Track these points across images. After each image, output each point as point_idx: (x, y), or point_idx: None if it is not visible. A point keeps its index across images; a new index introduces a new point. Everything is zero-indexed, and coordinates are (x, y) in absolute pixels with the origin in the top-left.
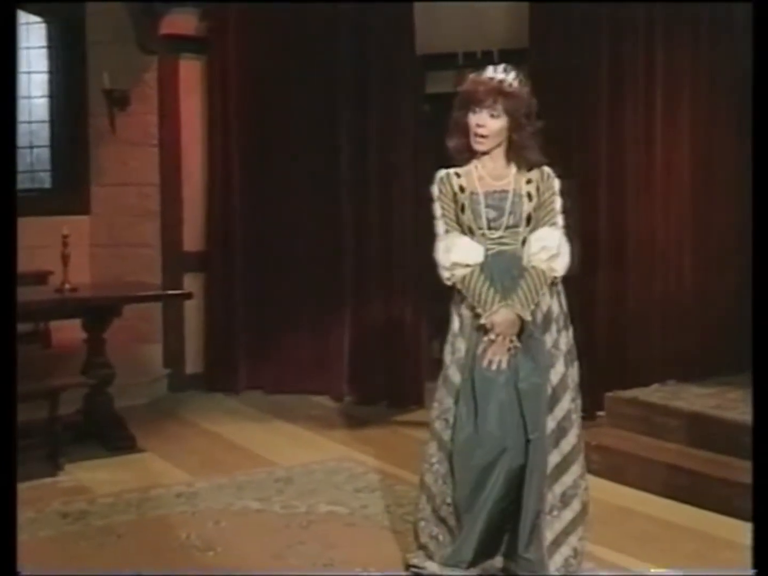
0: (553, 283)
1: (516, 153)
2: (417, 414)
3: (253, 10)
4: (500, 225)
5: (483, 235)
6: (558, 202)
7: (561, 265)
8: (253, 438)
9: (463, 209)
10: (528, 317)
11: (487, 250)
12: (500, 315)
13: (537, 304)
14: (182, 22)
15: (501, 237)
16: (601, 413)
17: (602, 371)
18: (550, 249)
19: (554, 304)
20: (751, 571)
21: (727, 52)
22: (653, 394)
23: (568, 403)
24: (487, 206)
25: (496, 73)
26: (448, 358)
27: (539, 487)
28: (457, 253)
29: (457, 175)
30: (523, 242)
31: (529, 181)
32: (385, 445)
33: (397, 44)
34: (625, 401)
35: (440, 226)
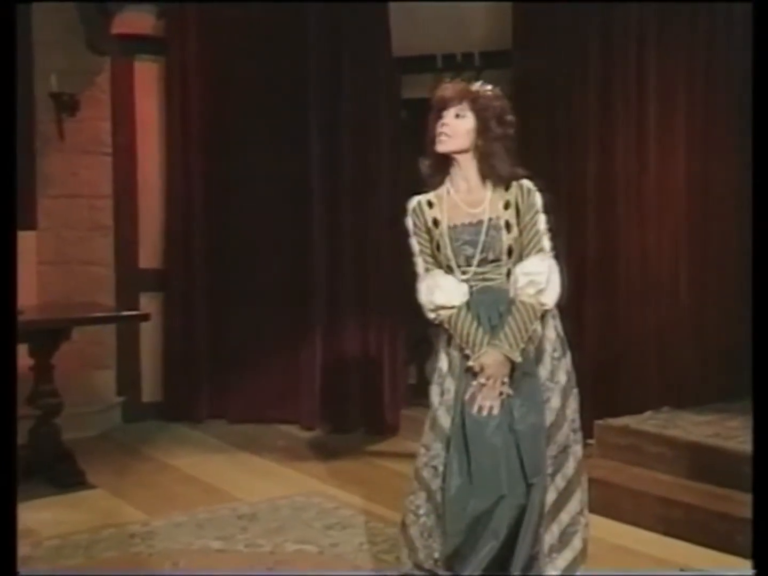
0: (543, 316)
1: (483, 162)
2: (394, 443)
3: (215, 8)
4: (479, 261)
5: (464, 272)
6: (542, 222)
7: (551, 297)
8: (215, 471)
9: (438, 247)
10: (518, 358)
11: (471, 286)
12: (489, 357)
13: (527, 341)
14: (137, 20)
15: (483, 272)
16: (590, 442)
17: (591, 397)
18: (537, 283)
19: (549, 330)
20: (751, 571)
21: (726, 53)
22: (646, 422)
23: (564, 438)
24: (464, 243)
25: (464, 80)
26: (436, 399)
27: (534, 529)
28: (440, 294)
29: (429, 204)
30: (509, 273)
31: (507, 206)
32: (359, 477)
33: (372, 46)
34: (616, 430)
35: (420, 265)
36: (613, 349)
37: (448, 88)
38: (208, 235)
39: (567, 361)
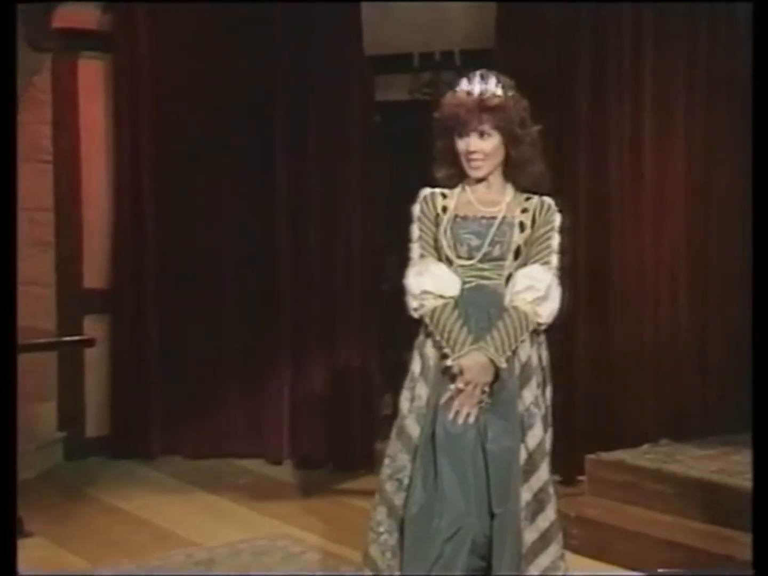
0: (535, 331)
1: (516, 167)
2: (366, 481)
3: (169, 2)
4: (482, 255)
5: (462, 265)
6: (555, 240)
7: (547, 310)
8: (169, 514)
9: (444, 233)
10: (503, 364)
11: (464, 282)
12: (471, 358)
13: (515, 351)
14: (81, 13)
15: (482, 269)
16: (581, 478)
17: (582, 429)
18: (537, 290)
19: (534, 355)
20: (751, 571)
21: (729, 50)
22: (643, 456)
23: (547, 472)
24: (470, 232)
25: (472, 84)
26: (405, 406)
27: (510, 573)
28: (430, 280)
29: (443, 195)
30: (509, 279)
31: (524, 210)
32: (329, 518)
33: (342, 43)
34: (610, 465)
35: (415, 250)
36: (606, 374)
37: (462, 105)
38: (161, 252)
39: (548, 395)
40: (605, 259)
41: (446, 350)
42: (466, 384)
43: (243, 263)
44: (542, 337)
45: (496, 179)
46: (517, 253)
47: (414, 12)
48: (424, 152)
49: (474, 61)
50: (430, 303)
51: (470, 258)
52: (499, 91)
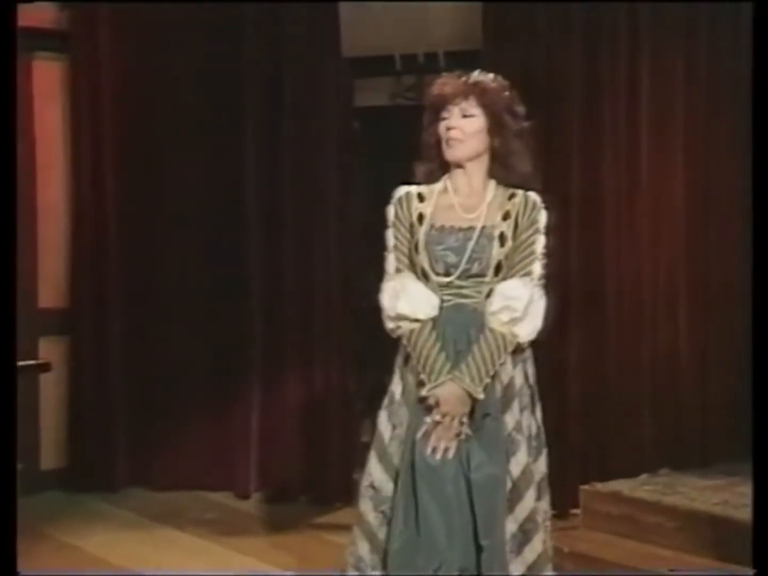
0: (518, 349)
1: (501, 163)
2: (344, 514)
3: (132, 1)
4: (461, 272)
5: (440, 283)
6: (539, 244)
7: (526, 330)
8: (131, 551)
9: (418, 246)
10: (480, 395)
11: (443, 301)
12: (446, 389)
13: (494, 377)
14: (36, 11)
15: (461, 287)
16: (575, 511)
17: (576, 457)
18: (513, 309)
19: (518, 374)
20: (751, 571)
21: (730, 49)
22: (641, 487)
23: (532, 501)
24: (447, 248)
25: (467, 75)
26: (387, 432)
27: None
28: (405, 302)
29: (420, 197)
30: (487, 295)
31: (506, 216)
32: (303, 554)
33: (318, 45)
34: (606, 496)
35: (390, 262)
36: (600, 397)
37: (448, 84)
38: (124, 269)
39: (537, 414)
40: (599, 270)
41: (423, 377)
42: (443, 416)
43: (212, 281)
44: (527, 353)
45: (477, 172)
46: (498, 269)
47: (395, 11)
48: (408, 161)
49: (460, 62)
50: (407, 326)
51: (448, 275)
52: (488, 76)
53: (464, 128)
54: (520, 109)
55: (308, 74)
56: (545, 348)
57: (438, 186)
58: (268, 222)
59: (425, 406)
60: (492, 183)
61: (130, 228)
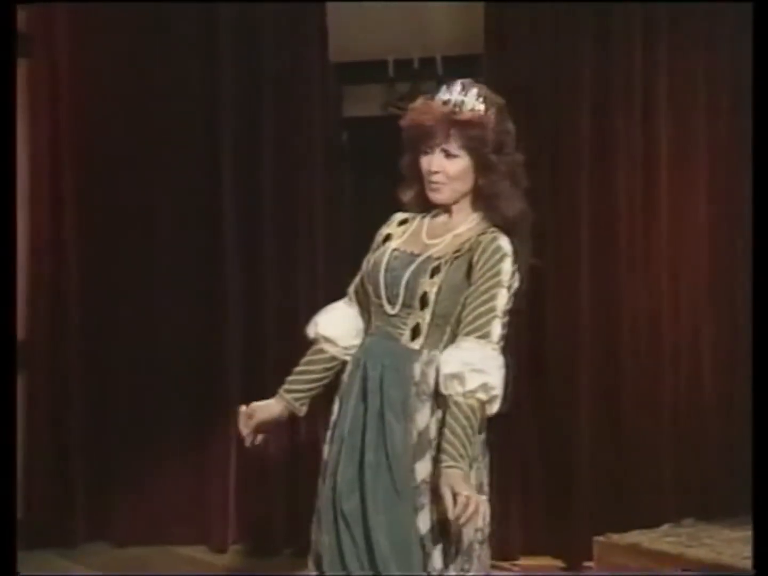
0: (438, 395)
1: (486, 203)
2: None
3: (95, 1)
4: (394, 300)
5: (379, 307)
6: (501, 299)
7: (497, 404)
8: None
9: (368, 266)
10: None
11: (376, 327)
12: (456, 476)
13: (409, 421)
14: None
15: (392, 315)
16: (588, 564)
17: (588, 505)
18: (491, 387)
19: (434, 424)
20: (751, 572)
21: None
22: (662, 538)
23: (440, 562)
24: (388, 270)
25: (450, 93)
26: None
27: None
28: (326, 321)
29: (402, 222)
30: (414, 333)
31: (457, 253)
32: None
33: (303, 49)
34: (623, 548)
35: (351, 286)
36: (617, 440)
37: (425, 113)
38: (87, 295)
39: (484, 465)
40: (613, 312)
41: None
42: (466, 504)
43: (184, 314)
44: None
45: (461, 209)
46: (423, 301)
47: (389, 12)
48: (402, 177)
49: (459, 69)
50: (330, 349)
51: (380, 299)
52: (478, 106)
53: (448, 171)
54: (509, 138)
55: (291, 82)
56: (557, 392)
57: (425, 215)
58: (246, 249)
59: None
60: (476, 216)
61: (92, 253)
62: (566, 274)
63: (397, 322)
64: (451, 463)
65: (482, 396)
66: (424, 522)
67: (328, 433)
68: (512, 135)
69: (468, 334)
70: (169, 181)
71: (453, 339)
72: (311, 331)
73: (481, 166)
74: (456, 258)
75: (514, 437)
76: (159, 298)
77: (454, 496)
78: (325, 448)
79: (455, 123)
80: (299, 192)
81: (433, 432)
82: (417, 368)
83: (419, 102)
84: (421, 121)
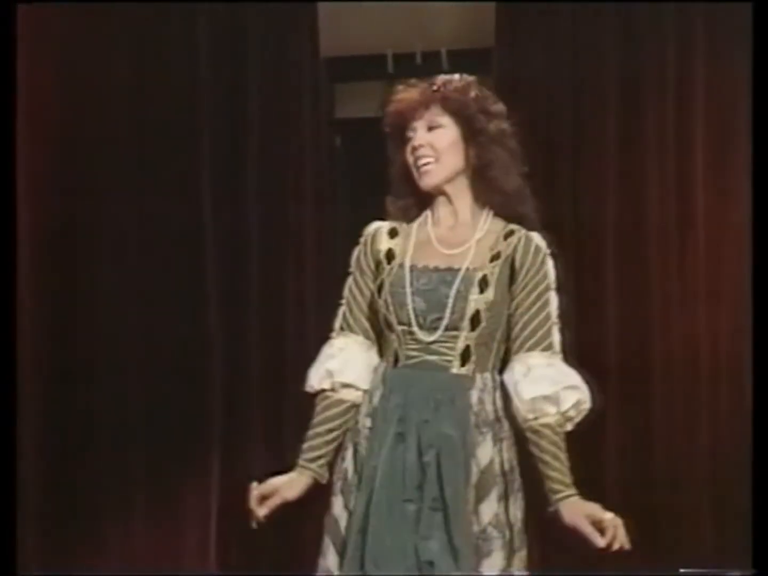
0: (497, 421)
1: (481, 179)
2: None
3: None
4: (434, 324)
5: (408, 335)
6: (553, 304)
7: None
8: None
9: (381, 289)
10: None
11: (406, 357)
12: (577, 506)
13: (469, 457)
14: None
15: (430, 342)
16: None
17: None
18: (582, 402)
19: (497, 457)
20: (751, 571)
21: None
22: None
23: None
24: (416, 292)
25: (433, 81)
26: (343, 519)
27: None
28: (342, 365)
29: (392, 233)
30: (465, 356)
31: (494, 258)
32: None
33: (291, 42)
34: None
35: (338, 319)
36: (649, 490)
37: (404, 96)
38: (47, 326)
39: (519, 507)
40: (643, 338)
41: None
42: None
43: (158, 334)
44: (506, 430)
45: (463, 196)
46: (475, 321)
47: (387, 3)
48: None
49: (466, 64)
50: (347, 395)
51: (414, 325)
52: (457, 78)
53: (434, 143)
54: (498, 107)
55: (277, 79)
56: (577, 432)
57: (417, 221)
58: (228, 268)
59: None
60: (486, 213)
61: (50, 273)
62: (587, 293)
63: (439, 348)
64: (568, 492)
65: (573, 413)
66: (490, 569)
67: (338, 484)
68: (498, 105)
69: (531, 348)
70: (144, 193)
71: (500, 357)
72: (323, 382)
73: (470, 132)
74: (495, 267)
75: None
76: (130, 319)
77: (595, 524)
78: (336, 501)
79: (434, 91)
80: (286, 204)
81: (497, 466)
82: (474, 396)
83: (399, 88)
84: (398, 105)
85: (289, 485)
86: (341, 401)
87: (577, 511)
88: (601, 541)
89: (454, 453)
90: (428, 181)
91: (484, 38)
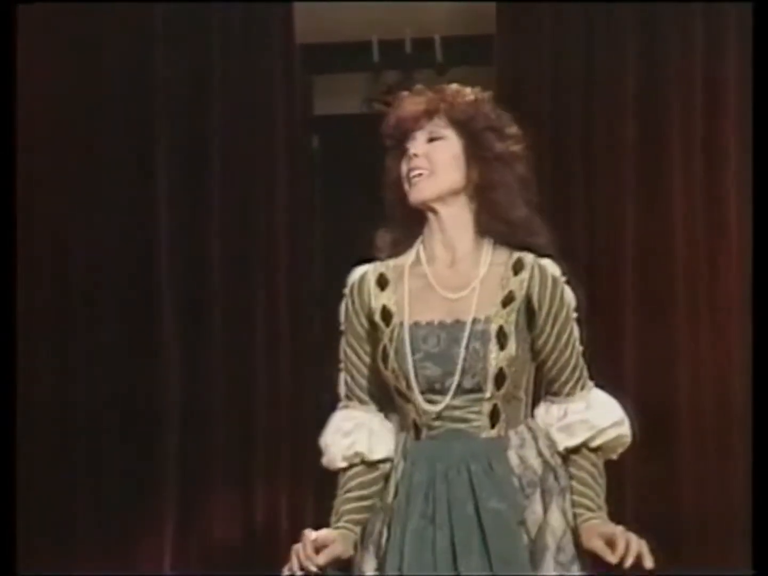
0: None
1: (483, 203)
2: None
3: None
4: (449, 389)
5: (429, 401)
6: (577, 336)
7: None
8: None
9: (385, 356)
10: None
11: (428, 428)
12: (604, 527)
13: (521, 522)
14: None
15: (452, 408)
16: None
17: None
18: (597, 437)
19: (554, 514)
20: (751, 571)
21: None
22: None
23: None
24: (427, 356)
25: (443, 89)
26: None
27: None
28: (364, 441)
29: (381, 281)
30: (494, 415)
31: (508, 299)
32: None
33: (262, 28)
34: None
35: (341, 385)
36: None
37: (407, 104)
38: None
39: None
40: (668, 369)
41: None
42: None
43: (109, 364)
44: (560, 477)
45: (460, 224)
46: (499, 380)
47: None
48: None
49: (463, 53)
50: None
51: (439, 393)
52: (468, 90)
53: (431, 155)
54: (511, 129)
55: (245, 71)
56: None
57: (408, 258)
58: (187, 283)
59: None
60: (488, 242)
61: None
62: (604, 317)
63: (463, 414)
64: (589, 515)
65: (611, 449)
66: None
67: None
68: (512, 126)
69: (569, 394)
70: (100, 201)
71: (531, 401)
72: (352, 459)
73: (474, 148)
74: (509, 313)
75: None
76: (75, 346)
77: (609, 542)
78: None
79: (441, 99)
80: (256, 209)
81: (552, 526)
82: (513, 457)
83: (404, 95)
84: (399, 115)
85: (343, 541)
86: (372, 474)
87: (593, 531)
88: (612, 557)
89: (505, 529)
90: (417, 194)
91: (484, 24)
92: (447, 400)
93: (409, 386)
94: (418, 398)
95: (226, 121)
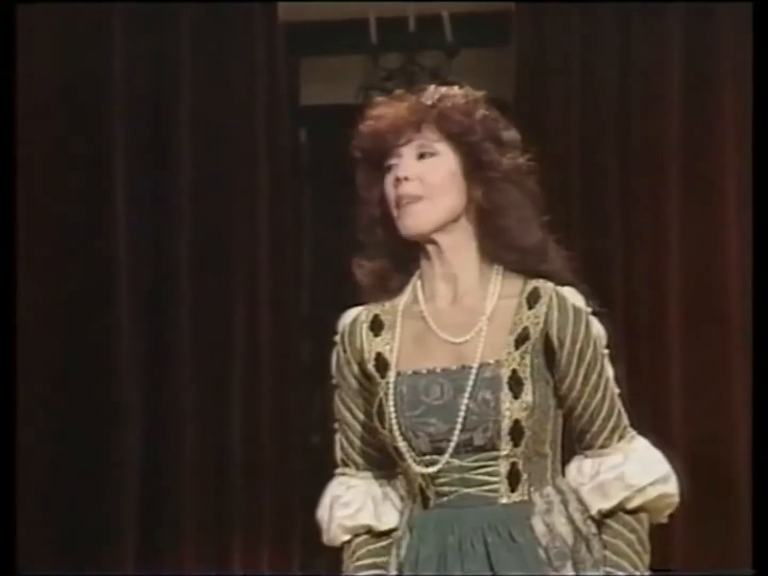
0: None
1: (487, 229)
2: None
3: None
4: (463, 448)
5: (427, 464)
6: (609, 372)
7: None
8: None
9: (381, 413)
10: None
11: (436, 495)
12: None
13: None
14: None
15: (462, 469)
16: None
17: None
18: (670, 493)
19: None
20: (751, 571)
21: None
22: None
23: None
24: (428, 411)
25: (428, 94)
26: None
27: None
28: (369, 512)
29: (376, 326)
30: (513, 480)
31: (522, 338)
32: None
33: (239, 6)
34: None
35: (337, 448)
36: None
37: (386, 112)
38: None
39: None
40: (716, 390)
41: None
42: None
43: (69, 401)
44: (592, 546)
45: (461, 255)
46: (516, 434)
47: None
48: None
49: (476, 33)
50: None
51: (437, 453)
52: (461, 94)
53: (425, 176)
54: (510, 134)
55: (222, 54)
56: None
57: (404, 297)
58: (149, 299)
59: None
60: (496, 272)
61: None
62: (623, 337)
63: (477, 477)
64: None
65: (654, 509)
66: None
67: None
68: (512, 132)
69: (603, 446)
70: (52, 215)
71: (558, 458)
72: (355, 531)
73: (474, 164)
74: (523, 354)
75: None
76: (40, 371)
77: None
78: None
79: (429, 107)
80: (233, 217)
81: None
82: (539, 525)
83: (380, 101)
84: (378, 125)
85: None
86: (381, 543)
87: None
88: None
89: None
90: (413, 225)
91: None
92: (445, 458)
93: (412, 448)
94: (409, 459)
95: (196, 115)
